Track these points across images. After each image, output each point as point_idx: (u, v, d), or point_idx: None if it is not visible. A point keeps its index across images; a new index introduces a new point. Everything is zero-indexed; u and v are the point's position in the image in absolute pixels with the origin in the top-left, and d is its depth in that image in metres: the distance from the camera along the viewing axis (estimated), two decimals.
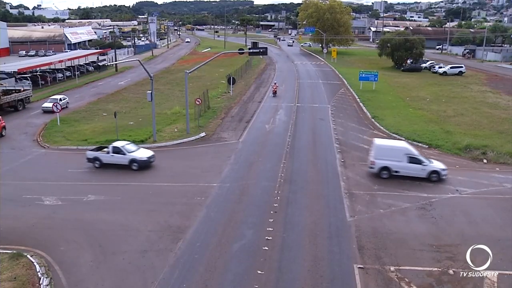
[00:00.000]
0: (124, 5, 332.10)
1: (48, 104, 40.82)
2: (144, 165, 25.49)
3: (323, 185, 23.19)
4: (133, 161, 25.33)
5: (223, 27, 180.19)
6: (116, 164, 25.51)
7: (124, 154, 25.46)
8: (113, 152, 25.57)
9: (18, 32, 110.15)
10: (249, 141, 31.36)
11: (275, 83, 51.33)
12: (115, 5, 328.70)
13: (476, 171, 25.43)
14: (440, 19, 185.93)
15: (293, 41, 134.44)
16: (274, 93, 48.77)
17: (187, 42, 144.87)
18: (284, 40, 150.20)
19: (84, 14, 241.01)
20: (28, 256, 16.27)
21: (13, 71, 54.21)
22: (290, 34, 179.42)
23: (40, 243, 17.42)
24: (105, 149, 26.25)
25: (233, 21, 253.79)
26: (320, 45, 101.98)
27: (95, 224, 18.91)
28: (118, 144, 26.20)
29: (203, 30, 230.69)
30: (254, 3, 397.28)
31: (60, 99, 41.96)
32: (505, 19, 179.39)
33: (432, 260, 16.13)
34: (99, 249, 16.96)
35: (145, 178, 24.30)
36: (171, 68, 78.75)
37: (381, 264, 15.90)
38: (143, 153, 26.08)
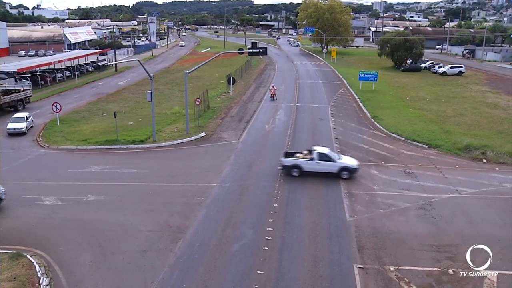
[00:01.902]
0: (124, 5, 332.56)
1: (14, 125, 33.87)
2: (354, 173, 23.91)
3: (323, 185, 23.17)
4: (344, 169, 23.58)
5: (223, 27, 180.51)
6: (316, 173, 23.78)
7: (333, 161, 23.72)
8: (319, 159, 23.72)
9: (17, 32, 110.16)
10: (248, 141, 31.36)
11: (273, 86, 49.18)
12: (115, 5, 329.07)
13: (476, 171, 25.43)
14: (440, 19, 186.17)
15: (294, 40, 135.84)
16: (272, 96, 46.13)
17: (181, 45, 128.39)
18: (280, 38, 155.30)
19: (84, 14, 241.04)
20: (28, 256, 16.25)
21: (13, 71, 54.25)
22: (287, 33, 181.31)
23: (40, 243, 17.40)
24: (298, 155, 24.49)
25: (232, 21, 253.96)
26: (320, 45, 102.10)
27: (95, 224, 18.90)
28: (323, 150, 24.47)
29: (189, 29, 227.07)
30: (254, 3, 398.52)
31: (27, 117, 35.17)
32: (505, 19, 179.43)
33: (432, 260, 16.14)
34: (98, 249, 16.96)
35: (145, 178, 24.29)
36: (170, 68, 78.76)
37: (381, 264, 15.91)
38: (350, 161, 24.51)
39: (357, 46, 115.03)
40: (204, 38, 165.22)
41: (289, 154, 24.77)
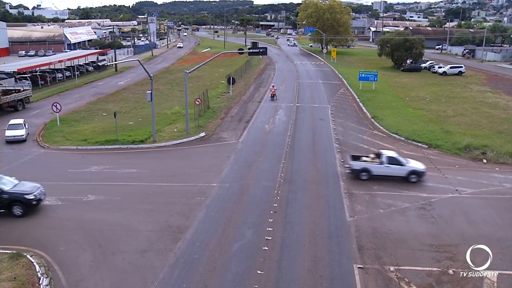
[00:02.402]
0: (124, 5, 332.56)
1: (13, 133, 31.74)
2: (422, 177, 23.48)
3: (323, 185, 23.19)
4: (413, 172, 23.27)
5: (223, 27, 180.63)
6: (388, 176, 23.48)
7: (402, 165, 23.36)
8: (388, 163, 23.39)
9: (17, 32, 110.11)
10: (248, 141, 31.36)
11: (273, 86, 49.18)
12: (115, 5, 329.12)
13: (476, 171, 25.44)
14: (440, 19, 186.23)
15: (292, 40, 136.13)
16: (272, 96, 46.14)
17: (179, 47, 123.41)
18: (279, 38, 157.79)
19: (84, 14, 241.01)
20: (28, 256, 16.23)
21: (13, 71, 54.23)
22: (285, 33, 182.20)
23: (40, 243, 17.40)
24: (365, 158, 24.24)
25: (232, 21, 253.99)
26: (319, 45, 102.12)
27: (95, 224, 18.89)
28: (392, 153, 24.30)
29: (187, 29, 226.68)
30: (254, 3, 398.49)
31: (24, 124, 33.09)
32: (505, 19, 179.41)
33: (432, 260, 16.13)
34: (98, 249, 16.95)
35: (145, 178, 24.28)
36: (170, 68, 78.76)
37: (381, 264, 15.90)
38: (418, 164, 24.05)
39: (349, 46, 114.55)
40: (204, 38, 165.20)
41: (355, 158, 24.49)
